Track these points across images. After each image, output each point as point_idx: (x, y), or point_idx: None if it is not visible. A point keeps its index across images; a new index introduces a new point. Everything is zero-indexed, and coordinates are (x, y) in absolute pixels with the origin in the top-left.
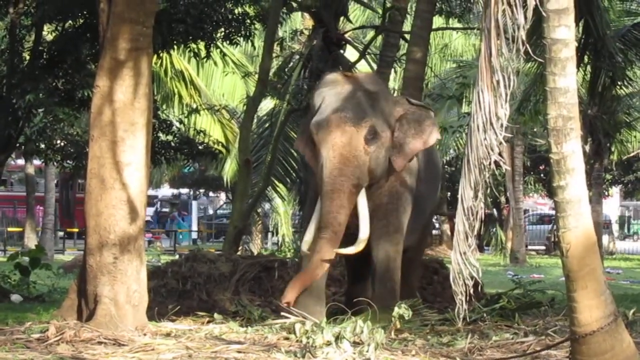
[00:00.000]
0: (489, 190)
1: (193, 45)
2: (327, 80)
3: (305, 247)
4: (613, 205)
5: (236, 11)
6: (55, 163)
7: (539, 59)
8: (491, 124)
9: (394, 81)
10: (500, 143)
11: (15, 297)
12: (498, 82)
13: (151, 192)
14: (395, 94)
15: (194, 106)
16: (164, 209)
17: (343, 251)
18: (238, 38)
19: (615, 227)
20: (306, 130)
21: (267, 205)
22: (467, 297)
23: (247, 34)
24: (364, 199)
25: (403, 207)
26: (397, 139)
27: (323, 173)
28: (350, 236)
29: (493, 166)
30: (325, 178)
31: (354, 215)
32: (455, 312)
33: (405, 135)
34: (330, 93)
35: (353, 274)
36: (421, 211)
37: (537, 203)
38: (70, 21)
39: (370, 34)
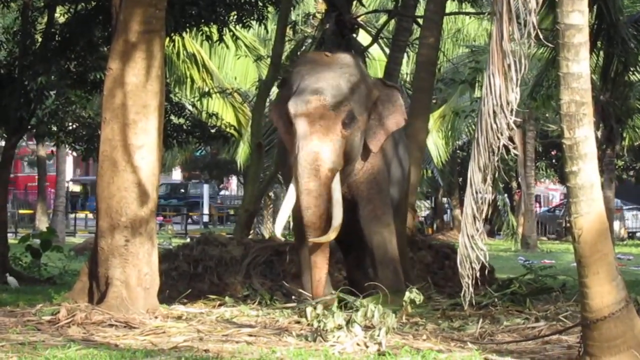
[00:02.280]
0: (497, 175)
1: (205, 28)
2: (307, 59)
3: (277, 229)
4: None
5: None
6: (66, 145)
7: (550, 44)
8: (501, 108)
9: (406, 65)
10: (512, 129)
11: (11, 280)
12: (509, 66)
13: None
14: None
15: (206, 89)
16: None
17: (317, 240)
18: (251, 21)
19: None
20: (281, 104)
21: (278, 189)
22: (474, 281)
23: (260, 17)
24: (338, 184)
25: (383, 189)
26: (373, 121)
27: (299, 156)
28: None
29: (503, 151)
30: (302, 161)
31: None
32: (462, 296)
33: (380, 117)
34: (310, 73)
35: (349, 259)
36: (395, 194)
37: (548, 189)
38: (82, 3)
39: (383, 18)
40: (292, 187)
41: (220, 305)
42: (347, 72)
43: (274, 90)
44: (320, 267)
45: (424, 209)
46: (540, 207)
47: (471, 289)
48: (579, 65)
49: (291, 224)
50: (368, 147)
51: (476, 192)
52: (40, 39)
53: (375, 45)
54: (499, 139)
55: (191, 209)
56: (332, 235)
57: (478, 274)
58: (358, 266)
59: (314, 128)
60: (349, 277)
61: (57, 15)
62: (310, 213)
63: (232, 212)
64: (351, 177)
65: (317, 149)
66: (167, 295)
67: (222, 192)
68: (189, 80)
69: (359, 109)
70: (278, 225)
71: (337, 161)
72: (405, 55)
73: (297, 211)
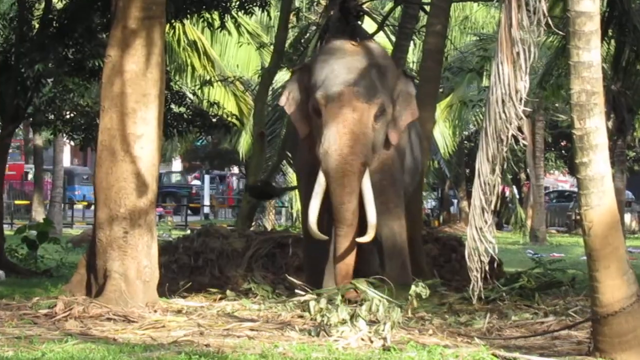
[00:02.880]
0: (505, 166)
1: (207, 15)
2: (333, 47)
3: (314, 227)
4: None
5: None
6: (64, 135)
7: (561, 32)
8: (510, 97)
9: (413, 54)
10: (521, 118)
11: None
12: (518, 54)
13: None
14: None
15: (208, 77)
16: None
17: (361, 240)
18: (253, 8)
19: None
20: (300, 93)
21: (281, 180)
22: (483, 274)
23: (263, 3)
24: (369, 181)
25: (396, 180)
26: (395, 114)
27: (330, 149)
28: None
29: (512, 141)
30: (335, 155)
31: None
32: (471, 290)
33: (400, 109)
34: (339, 63)
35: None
36: (408, 184)
37: (557, 180)
38: None
39: (389, 4)
40: (321, 180)
41: (221, 298)
42: (377, 63)
43: (277, 78)
44: (348, 262)
45: (430, 200)
46: (550, 200)
47: (480, 283)
48: (590, 54)
49: (294, 215)
50: (388, 139)
51: (484, 184)
52: (37, 26)
53: (381, 32)
54: (507, 128)
55: (164, 200)
56: (371, 234)
57: (487, 267)
58: (364, 259)
59: (347, 121)
60: (354, 269)
61: (54, 1)
62: (344, 209)
63: (210, 203)
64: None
65: (351, 142)
66: (166, 288)
67: (195, 182)
68: (189, 68)
69: (387, 101)
70: (313, 220)
71: (369, 155)
72: (411, 43)
73: (306, 204)
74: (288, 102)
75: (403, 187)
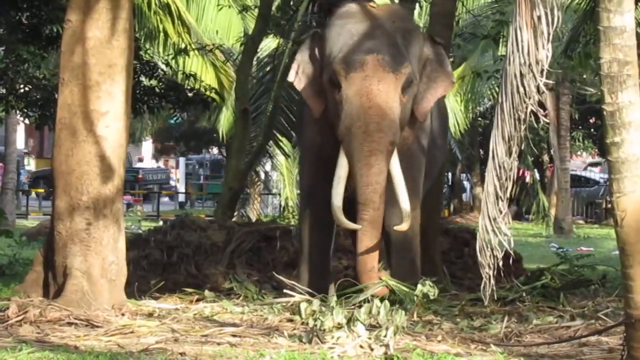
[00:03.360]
0: (524, 147)
1: None
2: (350, 11)
3: (340, 214)
4: None
5: None
6: (17, 111)
7: None
8: (530, 68)
9: (419, 18)
10: (542, 92)
11: None
12: (539, 18)
13: None
14: None
15: (183, 46)
16: None
17: (400, 228)
18: None
19: None
20: (309, 62)
21: (267, 163)
22: (498, 272)
23: None
24: (398, 162)
25: (417, 167)
26: (422, 85)
27: (354, 126)
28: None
29: (532, 118)
30: (359, 133)
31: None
32: (482, 289)
33: (428, 80)
34: (359, 28)
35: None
36: (431, 171)
37: (585, 164)
38: None
39: None
40: (342, 162)
41: (198, 300)
42: (401, 27)
43: (262, 46)
44: (374, 255)
45: None
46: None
47: (492, 281)
48: (622, 18)
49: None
50: (414, 115)
51: (499, 167)
52: None
53: None
54: (526, 104)
55: None
56: (407, 222)
57: (501, 264)
58: None
59: (372, 93)
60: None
61: None
62: (370, 190)
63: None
64: None
65: (378, 118)
66: (136, 288)
67: (140, 164)
68: (162, 34)
69: (415, 71)
70: (338, 205)
71: (397, 132)
72: (417, 5)
73: (311, 187)
74: (298, 76)
75: (422, 173)
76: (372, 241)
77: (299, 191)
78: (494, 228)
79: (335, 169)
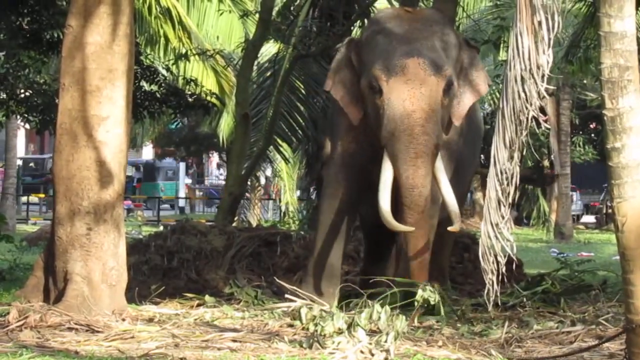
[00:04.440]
0: (525, 152)
1: None
2: (387, 15)
3: (389, 217)
4: None
5: None
6: (18, 116)
7: None
8: (531, 73)
9: None
10: (543, 97)
11: None
12: (540, 23)
13: None
14: None
15: (183, 51)
16: None
17: (453, 229)
18: None
19: None
20: (344, 69)
21: (268, 169)
22: (499, 277)
23: None
24: (442, 165)
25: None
26: (459, 89)
27: (397, 130)
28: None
29: (533, 123)
30: (404, 137)
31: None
32: (486, 295)
33: (464, 84)
34: (398, 32)
35: (372, 252)
36: (462, 177)
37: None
38: None
39: None
40: (387, 166)
41: (199, 305)
42: (439, 31)
43: (263, 51)
44: (425, 257)
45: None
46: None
47: (496, 287)
48: (623, 23)
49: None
50: (450, 118)
51: (501, 173)
52: None
53: None
54: (527, 109)
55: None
56: (457, 225)
57: (504, 269)
58: (378, 260)
59: (415, 97)
60: (364, 271)
61: None
62: (416, 193)
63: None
64: None
65: (422, 121)
66: (136, 293)
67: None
68: (162, 39)
69: (455, 73)
70: (387, 212)
71: (441, 135)
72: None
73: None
74: (334, 85)
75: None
76: (421, 242)
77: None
78: (497, 234)
79: (381, 174)
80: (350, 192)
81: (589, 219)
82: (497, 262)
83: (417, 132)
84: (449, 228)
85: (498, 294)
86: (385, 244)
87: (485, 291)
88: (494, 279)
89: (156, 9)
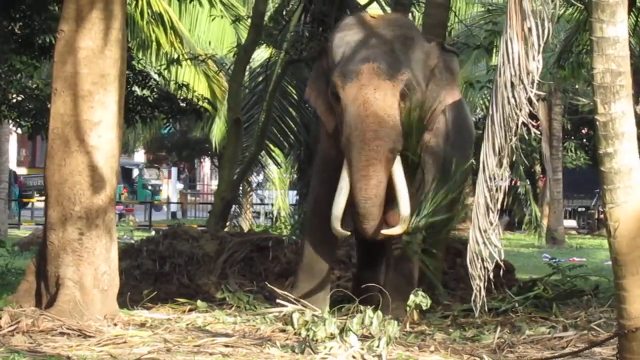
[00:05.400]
0: (518, 158)
1: None
2: (350, 22)
3: (337, 224)
4: None
5: None
6: (10, 121)
7: (581, 4)
8: (520, 79)
9: None
10: (532, 102)
11: None
12: (530, 29)
13: None
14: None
15: (175, 56)
16: None
17: (388, 232)
18: None
19: None
20: (320, 79)
21: (260, 174)
22: (488, 283)
23: None
24: (401, 169)
25: (427, 177)
26: (430, 93)
27: (352, 135)
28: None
29: (523, 129)
30: (357, 142)
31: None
32: (472, 300)
33: (437, 87)
34: (357, 38)
35: (364, 257)
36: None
37: None
38: None
39: None
40: (344, 174)
41: (190, 310)
42: (401, 35)
43: (255, 56)
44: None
45: None
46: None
47: (483, 293)
48: (615, 28)
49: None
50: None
51: (490, 179)
52: None
53: (375, 4)
54: (517, 115)
55: None
56: (401, 228)
57: (492, 275)
58: (369, 264)
59: (368, 102)
60: (356, 276)
61: None
62: (370, 204)
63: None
64: None
65: (375, 126)
66: (128, 298)
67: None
68: (154, 44)
69: (418, 78)
70: (336, 218)
71: (397, 140)
72: (409, 15)
73: (319, 198)
74: (311, 93)
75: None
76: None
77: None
78: (485, 240)
79: (340, 180)
80: (331, 198)
81: (571, 223)
82: (485, 268)
83: (368, 137)
84: (384, 231)
85: (485, 300)
86: (377, 249)
87: (473, 297)
88: (481, 285)
89: (148, 14)
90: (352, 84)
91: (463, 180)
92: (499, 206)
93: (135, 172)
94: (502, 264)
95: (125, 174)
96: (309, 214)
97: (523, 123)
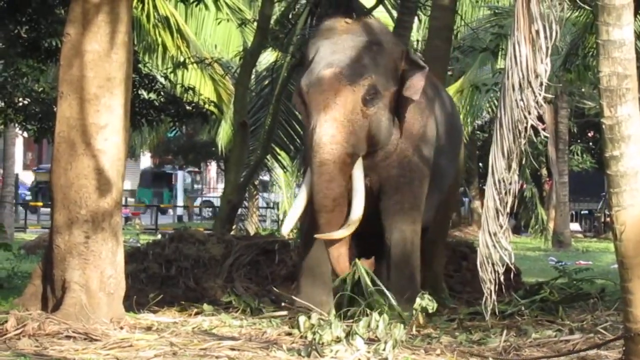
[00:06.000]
0: (524, 161)
1: None
2: (324, 27)
3: (288, 223)
4: None
5: None
6: (16, 125)
7: (588, 7)
8: (529, 82)
9: (417, 31)
10: (540, 105)
11: None
12: (537, 32)
13: None
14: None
15: (182, 59)
16: None
17: (328, 236)
18: None
19: None
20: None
21: (266, 177)
22: (497, 286)
23: None
24: (360, 172)
25: (418, 179)
26: (401, 97)
27: (314, 140)
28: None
29: (531, 132)
30: (315, 146)
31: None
32: (484, 304)
33: (407, 91)
34: (326, 43)
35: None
36: (439, 184)
37: None
38: None
39: None
40: (306, 178)
41: (197, 313)
42: (369, 40)
43: (261, 59)
44: (341, 244)
45: None
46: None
47: (494, 296)
48: (622, 31)
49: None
50: (405, 127)
51: (499, 182)
52: None
53: (381, 7)
54: (526, 118)
55: None
56: (347, 230)
57: (502, 278)
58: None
59: (329, 106)
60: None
61: None
62: (326, 203)
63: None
64: (384, 161)
65: (333, 131)
66: (134, 301)
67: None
68: (160, 48)
69: (384, 83)
70: (287, 224)
71: (357, 145)
72: (415, 19)
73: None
74: (297, 98)
75: (425, 188)
76: (335, 239)
77: None
78: (495, 243)
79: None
80: None
81: (575, 226)
82: (496, 272)
83: (325, 141)
84: (319, 236)
85: (496, 303)
86: (375, 248)
87: (483, 300)
88: (492, 288)
89: (154, 17)
90: (315, 89)
91: (457, 180)
92: (508, 209)
93: (180, 177)
94: (512, 267)
95: (165, 179)
96: (302, 218)
97: (532, 126)
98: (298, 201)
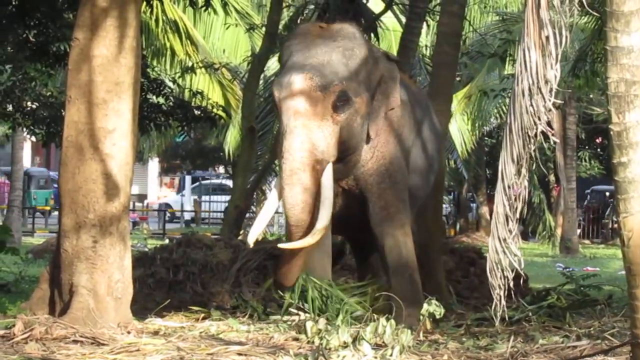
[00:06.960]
0: (534, 167)
1: None
2: (298, 32)
3: (251, 239)
4: None
5: None
6: (24, 129)
7: (596, 13)
8: (538, 87)
9: (426, 37)
10: (550, 110)
11: None
12: (547, 38)
13: None
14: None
15: (190, 63)
16: None
17: (292, 245)
18: None
19: None
20: None
21: (274, 181)
22: (507, 292)
23: None
24: (330, 180)
25: (397, 183)
26: (376, 103)
27: (281, 145)
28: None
29: (540, 138)
30: (285, 152)
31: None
32: (493, 310)
33: (382, 97)
34: (299, 48)
35: (362, 263)
36: (423, 185)
37: None
38: None
39: None
40: (274, 186)
41: (204, 318)
42: (342, 46)
43: (269, 65)
44: (298, 257)
45: (445, 206)
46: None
47: (503, 302)
48: (630, 38)
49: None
50: (380, 132)
51: (509, 188)
52: None
53: (389, 13)
54: (535, 124)
55: None
56: (312, 239)
57: (511, 284)
58: (370, 270)
59: (299, 112)
60: (359, 280)
61: None
62: (296, 211)
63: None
64: (358, 168)
65: (302, 137)
66: (142, 306)
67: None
68: (169, 52)
69: (356, 88)
70: (252, 234)
71: (327, 151)
72: (424, 24)
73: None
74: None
75: (407, 190)
76: (297, 248)
77: None
78: (504, 249)
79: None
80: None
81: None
82: (505, 278)
83: (294, 147)
84: (281, 245)
85: (505, 309)
86: (370, 254)
87: (493, 306)
88: (502, 294)
89: (163, 21)
90: (285, 94)
91: (440, 183)
92: (517, 215)
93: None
94: (522, 273)
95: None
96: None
97: (541, 131)
98: (265, 209)
